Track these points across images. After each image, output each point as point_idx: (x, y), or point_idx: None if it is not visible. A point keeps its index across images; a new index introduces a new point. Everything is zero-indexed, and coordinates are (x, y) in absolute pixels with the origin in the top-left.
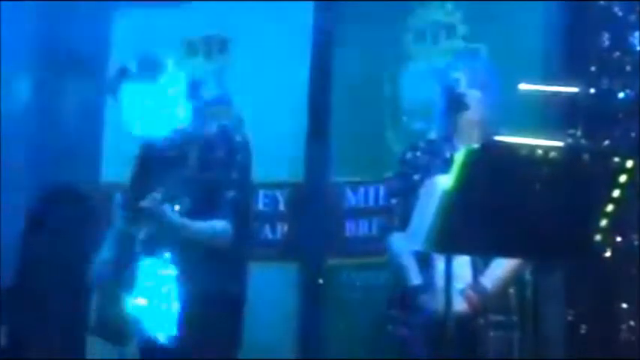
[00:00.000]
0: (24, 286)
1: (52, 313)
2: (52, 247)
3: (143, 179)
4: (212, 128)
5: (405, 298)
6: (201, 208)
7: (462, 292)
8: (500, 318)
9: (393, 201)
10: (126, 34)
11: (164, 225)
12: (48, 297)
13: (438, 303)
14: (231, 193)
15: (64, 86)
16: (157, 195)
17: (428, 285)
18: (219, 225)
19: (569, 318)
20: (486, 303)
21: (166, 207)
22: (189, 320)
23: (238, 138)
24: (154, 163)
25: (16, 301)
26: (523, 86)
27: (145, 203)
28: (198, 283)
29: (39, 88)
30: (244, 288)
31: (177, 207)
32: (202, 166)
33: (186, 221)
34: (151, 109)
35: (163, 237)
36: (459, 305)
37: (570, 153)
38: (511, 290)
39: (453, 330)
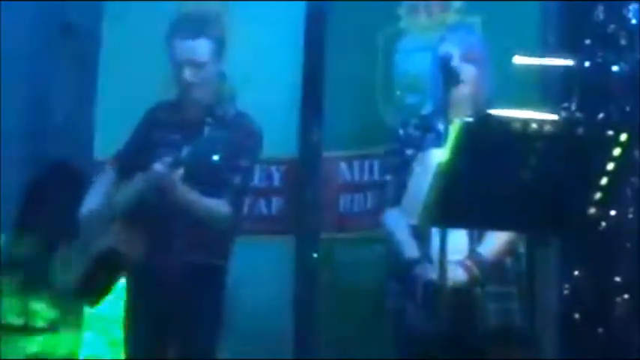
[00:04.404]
0: (18, 260)
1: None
2: (46, 224)
3: (145, 141)
4: (231, 109)
5: (403, 272)
6: (202, 183)
7: (461, 263)
8: (498, 289)
9: (388, 177)
10: (119, 8)
11: (167, 191)
12: (43, 273)
13: (435, 275)
14: (237, 179)
15: (57, 62)
16: (168, 159)
17: (425, 257)
18: (219, 205)
19: (565, 291)
20: (485, 273)
21: (177, 174)
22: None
23: (256, 127)
24: (162, 127)
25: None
26: (518, 59)
27: (157, 166)
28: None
29: (31, 63)
30: (228, 268)
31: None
32: (215, 144)
33: (191, 193)
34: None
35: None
36: (458, 276)
37: (565, 126)
38: (508, 261)
39: (451, 301)
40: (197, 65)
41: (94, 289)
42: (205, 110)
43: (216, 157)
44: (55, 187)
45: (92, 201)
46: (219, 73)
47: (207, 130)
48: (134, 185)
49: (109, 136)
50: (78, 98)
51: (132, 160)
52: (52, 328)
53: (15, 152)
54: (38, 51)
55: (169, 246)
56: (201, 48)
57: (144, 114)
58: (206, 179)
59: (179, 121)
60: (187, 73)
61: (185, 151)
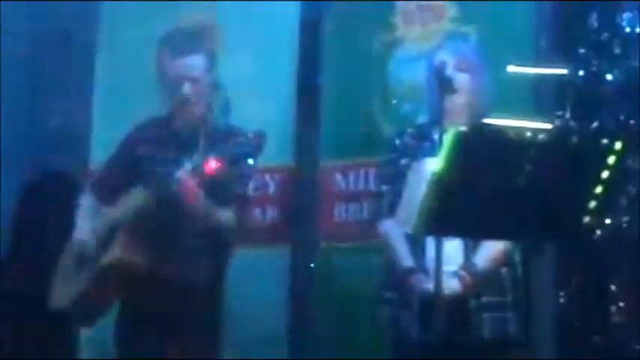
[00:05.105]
0: (14, 270)
1: (43, 294)
2: (41, 232)
3: (133, 159)
4: (223, 122)
5: (398, 281)
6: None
7: (455, 273)
8: (493, 299)
9: (383, 187)
10: (116, 17)
11: (187, 198)
12: (38, 279)
13: (430, 285)
14: (241, 189)
15: (53, 68)
16: (189, 167)
17: (420, 267)
18: (229, 215)
19: (560, 300)
20: (479, 283)
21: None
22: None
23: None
24: (152, 144)
25: (7, 283)
26: (512, 68)
27: (179, 174)
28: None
29: (28, 69)
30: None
31: None
32: (230, 154)
33: (207, 201)
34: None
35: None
36: (452, 286)
37: (559, 135)
38: (504, 271)
39: (446, 311)
40: (191, 81)
41: (93, 307)
42: (198, 124)
43: (235, 164)
44: (50, 194)
45: (85, 219)
46: (212, 84)
47: (207, 141)
48: (143, 195)
49: (105, 143)
50: (74, 104)
51: (118, 178)
52: None
53: (11, 159)
54: (35, 56)
55: (172, 255)
56: (194, 64)
57: (128, 133)
58: (216, 188)
59: (171, 137)
60: (182, 90)
61: (204, 159)
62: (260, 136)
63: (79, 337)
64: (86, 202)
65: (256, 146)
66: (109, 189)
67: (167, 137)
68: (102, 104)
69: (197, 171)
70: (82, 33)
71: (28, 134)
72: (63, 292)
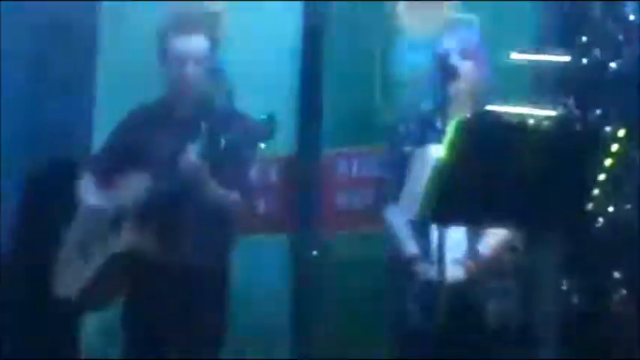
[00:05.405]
0: (18, 259)
1: (46, 288)
2: (45, 222)
3: (135, 141)
4: (226, 107)
5: (402, 269)
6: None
7: (460, 261)
8: (497, 286)
9: (387, 175)
10: (115, 5)
11: (198, 183)
12: (43, 271)
13: (435, 272)
14: (246, 170)
15: (55, 58)
16: (196, 150)
17: (424, 254)
18: (236, 198)
19: (563, 287)
20: (484, 271)
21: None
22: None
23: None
24: (154, 126)
25: (10, 276)
26: (515, 56)
27: (188, 158)
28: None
29: (29, 60)
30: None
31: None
32: (219, 136)
33: (216, 185)
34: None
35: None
36: (457, 274)
37: (562, 122)
38: (507, 257)
39: (450, 298)
40: (193, 61)
41: (101, 295)
42: (200, 107)
43: (246, 148)
44: (52, 185)
45: (89, 203)
46: (214, 68)
47: (206, 126)
48: (146, 180)
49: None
50: (76, 98)
51: (116, 161)
52: None
53: (13, 153)
54: (36, 51)
55: (179, 244)
56: (197, 44)
57: (127, 114)
58: (223, 172)
59: (170, 119)
60: (184, 69)
61: (210, 143)
62: (272, 120)
63: (83, 328)
64: (86, 180)
65: (269, 130)
66: (107, 171)
67: (167, 119)
68: (104, 98)
69: (203, 154)
70: (82, 30)
71: (29, 129)
72: (67, 282)
